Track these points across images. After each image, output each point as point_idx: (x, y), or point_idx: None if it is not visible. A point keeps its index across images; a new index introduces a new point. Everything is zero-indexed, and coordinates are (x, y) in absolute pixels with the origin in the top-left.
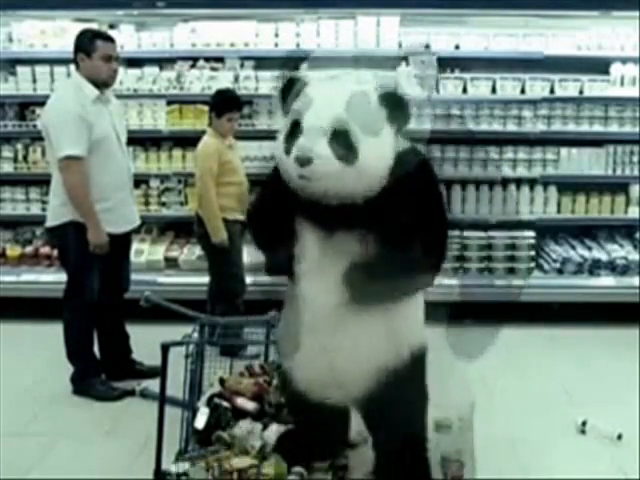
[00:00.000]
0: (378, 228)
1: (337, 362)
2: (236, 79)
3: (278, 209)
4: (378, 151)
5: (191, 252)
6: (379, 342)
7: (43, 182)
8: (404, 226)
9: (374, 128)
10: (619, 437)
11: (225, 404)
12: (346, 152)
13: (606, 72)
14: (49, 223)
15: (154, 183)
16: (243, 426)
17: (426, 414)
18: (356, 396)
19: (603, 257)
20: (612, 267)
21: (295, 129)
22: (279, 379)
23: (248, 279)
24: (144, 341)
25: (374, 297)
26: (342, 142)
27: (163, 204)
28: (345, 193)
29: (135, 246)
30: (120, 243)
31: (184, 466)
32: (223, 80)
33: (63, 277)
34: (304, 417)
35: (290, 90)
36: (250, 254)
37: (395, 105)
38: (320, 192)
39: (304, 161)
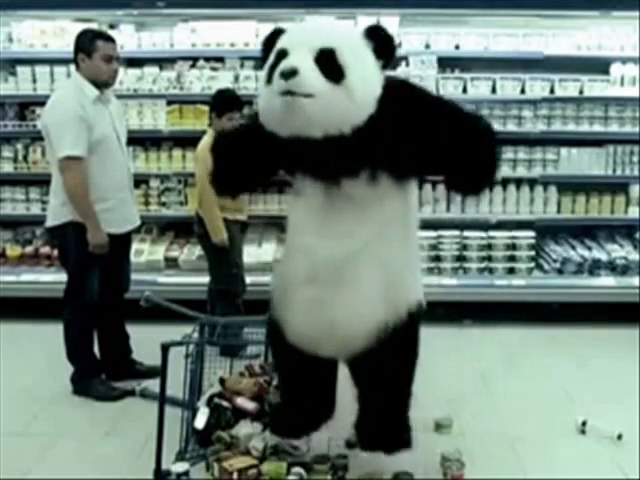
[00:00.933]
0: (390, 159)
1: (337, 316)
2: (236, 79)
3: (253, 143)
4: (365, 75)
5: (191, 252)
6: (379, 297)
7: (43, 182)
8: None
9: (361, 55)
10: (619, 437)
11: (225, 404)
12: (333, 70)
13: (606, 72)
14: (49, 223)
15: (154, 183)
16: (243, 426)
17: (414, 373)
18: (352, 351)
19: (603, 257)
20: (612, 267)
21: (279, 59)
22: (269, 331)
23: (248, 279)
24: (144, 341)
25: None
26: (329, 61)
27: (163, 204)
28: (332, 119)
29: (135, 246)
30: (120, 243)
31: (184, 466)
32: (223, 80)
33: (63, 277)
34: (293, 372)
35: (274, 43)
36: (250, 254)
37: (381, 39)
38: (306, 118)
39: (288, 72)
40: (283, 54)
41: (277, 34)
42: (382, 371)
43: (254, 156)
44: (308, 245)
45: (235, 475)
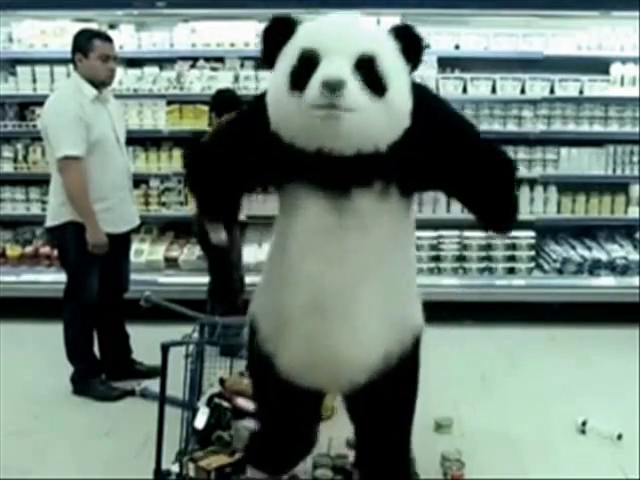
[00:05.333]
0: (407, 176)
1: (341, 348)
2: (236, 79)
3: (244, 152)
4: (402, 86)
5: (191, 252)
6: (385, 323)
7: (43, 182)
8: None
9: (396, 63)
10: (619, 437)
11: (225, 404)
12: (375, 83)
13: (606, 72)
14: (49, 223)
15: (154, 183)
16: (243, 426)
17: (415, 405)
18: (355, 383)
19: (603, 257)
20: (612, 267)
21: (308, 63)
22: (253, 366)
23: (248, 279)
24: (144, 341)
25: None
26: (370, 72)
27: (163, 204)
28: (371, 136)
29: (135, 246)
30: (120, 243)
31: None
32: (223, 80)
33: (63, 277)
34: (278, 407)
35: (280, 33)
36: (250, 254)
37: (409, 39)
38: (344, 135)
39: (335, 84)
40: (312, 58)
41: (283, 25)
42: (383, 404)
43: (242, 172)
44: (310, 275)
45: (213, 475)
